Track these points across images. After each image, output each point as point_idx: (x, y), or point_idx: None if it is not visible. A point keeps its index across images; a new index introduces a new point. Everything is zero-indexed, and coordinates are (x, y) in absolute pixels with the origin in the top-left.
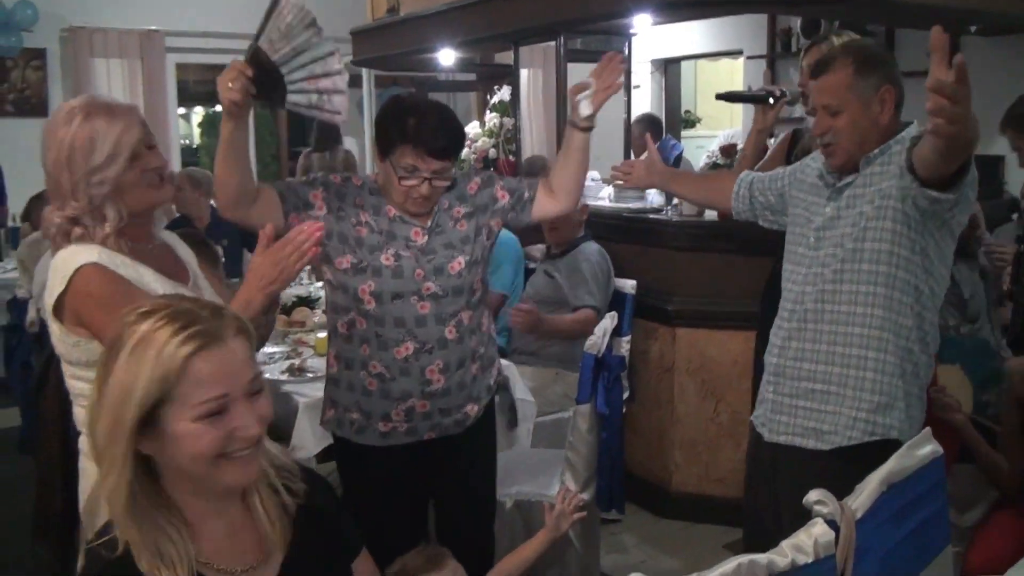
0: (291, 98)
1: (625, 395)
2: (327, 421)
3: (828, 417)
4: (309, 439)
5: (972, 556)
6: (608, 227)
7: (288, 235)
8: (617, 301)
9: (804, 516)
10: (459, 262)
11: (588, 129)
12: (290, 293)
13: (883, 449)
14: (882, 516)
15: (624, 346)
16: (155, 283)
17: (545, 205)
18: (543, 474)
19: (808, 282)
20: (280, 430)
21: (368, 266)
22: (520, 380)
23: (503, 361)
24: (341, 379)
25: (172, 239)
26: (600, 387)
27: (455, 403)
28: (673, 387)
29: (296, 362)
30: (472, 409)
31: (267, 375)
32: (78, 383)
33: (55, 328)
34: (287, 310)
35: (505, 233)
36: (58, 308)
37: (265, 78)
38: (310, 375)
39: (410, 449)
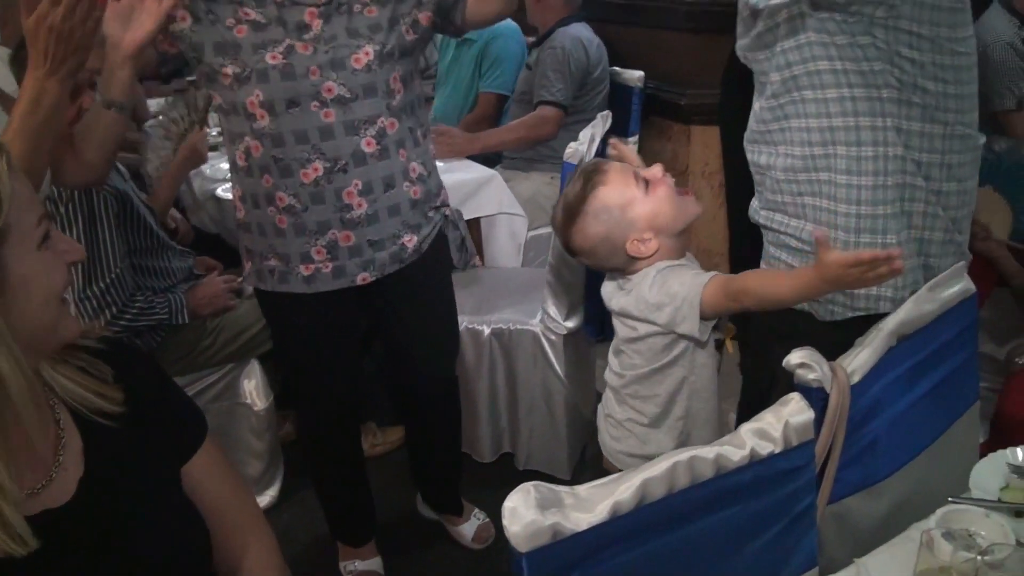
0: None
1: None
2: (247, 276)
3: None
4: None
5: (1004, 410)
6: (607, 6)
7: None
8: (621, 96)
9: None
10: (366, 53)
11: None
12: None
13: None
14: (892, 375)
15: (632, 148)
16: None
17: (478, 11)
18: (529, 298)
19: None
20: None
21: (252, 71)
22: (507, 190)
23: (490, 171)
24: (251, 223)
25: None
26: None
27: (387, 232)
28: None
29: None
30: (410, 240)
31: (223, 192)
32: None
33: None
34: None
35: (508, 24)
36: None
37: None
38: None
39: (344, 294)
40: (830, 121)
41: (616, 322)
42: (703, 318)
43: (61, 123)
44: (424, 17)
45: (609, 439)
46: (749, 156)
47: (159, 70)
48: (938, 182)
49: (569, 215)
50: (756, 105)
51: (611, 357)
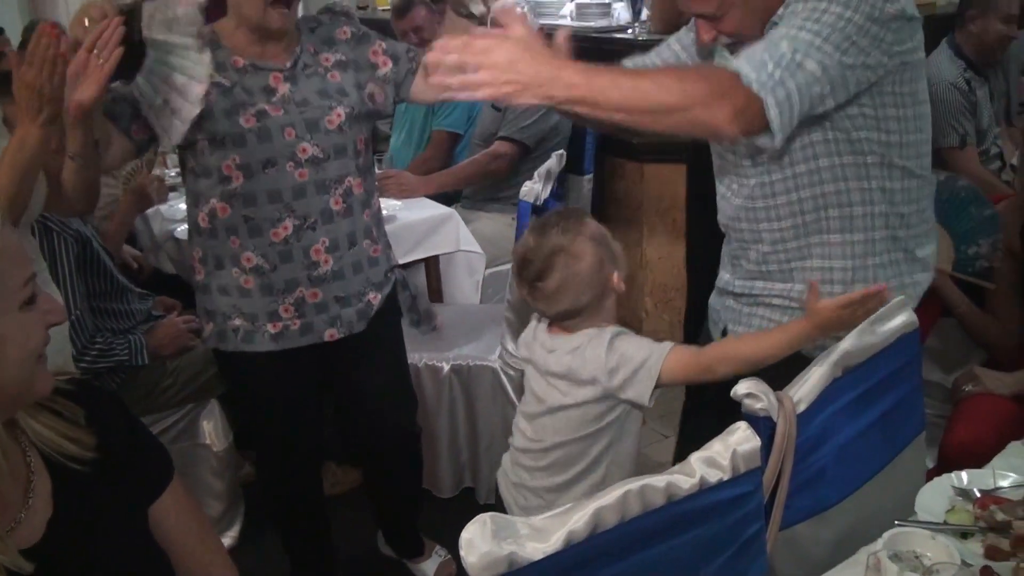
0: (140, 82)
1: None
2: (208, 338)
3: None
4: None
5: (951, 438)
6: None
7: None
8: (575, 135)
9: None
10: (338, 114)
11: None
12: None
13: None
14: (838, 404)
15: (586, 186)
16: None
17: (423, 90)
18: (488, 334)
19: None
20: None
21: (226, 136)
22: (465, 228)
23: (447, 208)
24: (211, 284)
25: None
26: None
27: (353, 289)
28: (642, 229)
29: None
30: (375, 298)
31: (181, 232)
32: None
33: None
34: None
35: None
36: None
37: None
38: None
39: (309, 351)
40: (822, 188)
41: (543, 385)
42: (657, 386)
43: (44, 162)
44: (379, 93)
45: (518, 510)
46: (731, 234)
47: (139, 156)
48: (916, 227)
49: (575, 233)
50: (735, 185)
51: (523, 423)
